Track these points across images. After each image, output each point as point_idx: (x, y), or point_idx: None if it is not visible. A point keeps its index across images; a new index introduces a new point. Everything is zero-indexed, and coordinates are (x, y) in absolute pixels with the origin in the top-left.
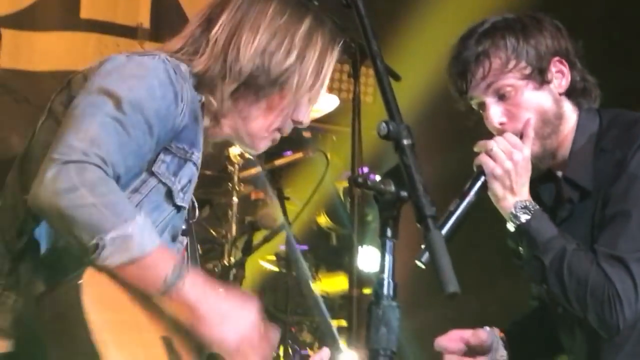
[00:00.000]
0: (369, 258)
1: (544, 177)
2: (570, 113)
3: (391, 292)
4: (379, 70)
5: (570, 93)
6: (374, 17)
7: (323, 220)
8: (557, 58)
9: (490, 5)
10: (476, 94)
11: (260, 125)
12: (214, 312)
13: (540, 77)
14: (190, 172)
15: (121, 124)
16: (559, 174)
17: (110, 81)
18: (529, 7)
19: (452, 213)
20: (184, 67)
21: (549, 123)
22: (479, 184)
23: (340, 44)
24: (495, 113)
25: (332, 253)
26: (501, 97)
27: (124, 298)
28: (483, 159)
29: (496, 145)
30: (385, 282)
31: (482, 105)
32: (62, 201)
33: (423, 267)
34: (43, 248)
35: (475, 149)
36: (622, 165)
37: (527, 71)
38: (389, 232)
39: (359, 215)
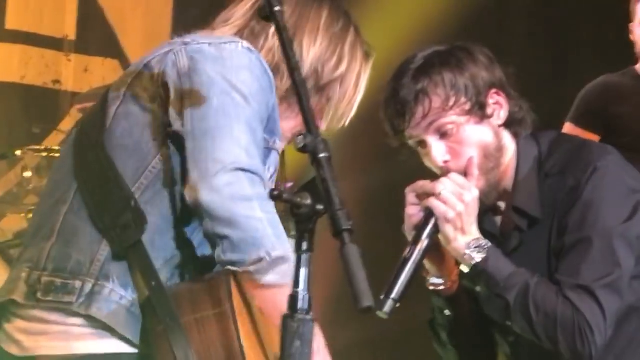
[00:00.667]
0: None
1: (487, 208)
2: (509, 143)
3: (306, 306)
4: (297, 83)
5: (509, 124)
6: None
7: None
8: (493, 90)
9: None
10: (416, 133)
11: (289, 126)
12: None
13: (480, 111)
14: (275, 161)
15: (255, 121)
16: (501, 204)
17: (225, 71)
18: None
19: (408, 259)
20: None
21: (491, 157)
22: (429, 227)
23: (372, 58)
24: (438, 152)
25: None
26: (442, 134)
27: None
28: (433, 203)
29: (444, 188)
30: (301, 296)
31: (422, 143)
32: (237, 208)
33: (386, 317)
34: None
35: (416, 192)
36: (576, 192)
37: (468, 107)
38: (304, 246)
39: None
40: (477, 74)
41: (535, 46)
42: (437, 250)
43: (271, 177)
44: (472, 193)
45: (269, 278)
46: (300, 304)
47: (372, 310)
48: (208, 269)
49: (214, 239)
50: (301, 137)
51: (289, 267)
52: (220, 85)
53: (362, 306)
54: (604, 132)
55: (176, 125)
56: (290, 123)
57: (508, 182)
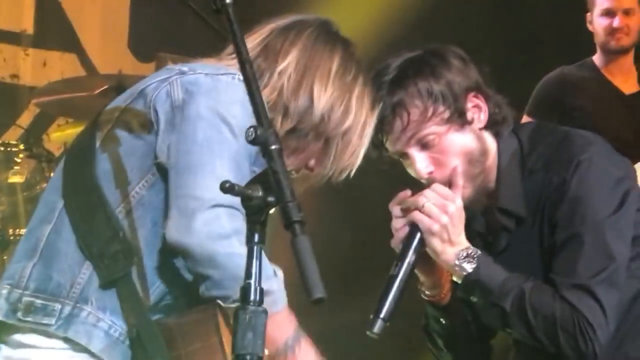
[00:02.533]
0: None
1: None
2: (491, 144)
3: (257, 298)
4: (247, 77)
5: (490, 125)
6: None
7: None
8: (471, 94)
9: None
10: (398, 147)
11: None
12: None
13: (460, 118)
14: None
15: (240, 156)
16: (486, 204)
17: (217, 104)
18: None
19: (395, 276)
20: None
21: (476, 162)
22: (415, 242)
23: (380, 107)
24: (421, 164)
25: None
26: (424, 145)
27: None
28: (417, 216)
29: (427, 200)
30: (252, 288)
31: (404, 155)
32: (215, 247)
33: (376, 337)
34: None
35: (400, 206)
36: (562, 189)
37: (447, 115)
38: (256, 238)
39: None
40: (453, 80)
41: (497, 38)
42: (428, 262)
43: None
44: (455, 203)
45: None
46: (252, 296)
47: (324, 301)
48: (192, 292)
49: (196, 277)
50: (251, 129)
51: (274, 298)
52: (208, 119)
53: (314, 297)
54: (561, 124)
55: (162, 157)
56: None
57: (492, 182)
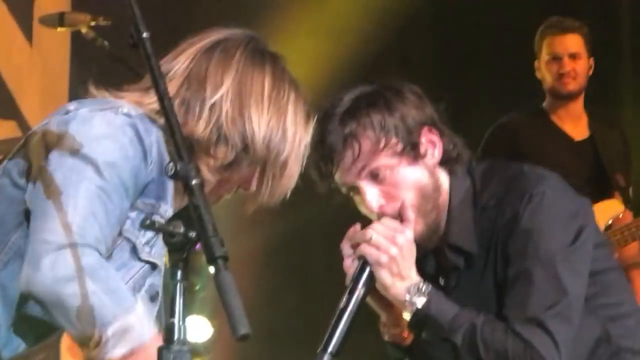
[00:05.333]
0: (197, 328)
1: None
2: (444, 181)
3: (182, 336)
4: (166, 109)
5: (444, 162)
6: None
7: None
8: (425, 128)
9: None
10: (348, 179)
11: (214, 189)
12: None
13: (413, 152)
14: None
15: (105, 192)
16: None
17: (83, 143)
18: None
19: (344, 310)
20: (145, 117)
21: (429, 198)
22: (365, 276)
23: (314, 122)
24: (372, 197)
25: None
26: (375, 178)
27: None
28: (365, 249)
29: (375, 233)
30: (176, 326)
31: (355, 189)
32: (63, 290)
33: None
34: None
35: (350, 242)
36: (514, 223)
37: (399, 148)
38: (178, 275)
39: None
40: (407, 113)
41: (439, 83)
42: (384, 297)
43: (149, 242)
44: (405, 235)
45: (116, 352)
46: (176, 335)
47: (249, 338)
48: None
49: (60, 325)
50: (171, 164)
51: (138, 331)
52: (69, 160)
53: (238, 335)
54: None
55: (28, 202)
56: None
57: (443, 220)
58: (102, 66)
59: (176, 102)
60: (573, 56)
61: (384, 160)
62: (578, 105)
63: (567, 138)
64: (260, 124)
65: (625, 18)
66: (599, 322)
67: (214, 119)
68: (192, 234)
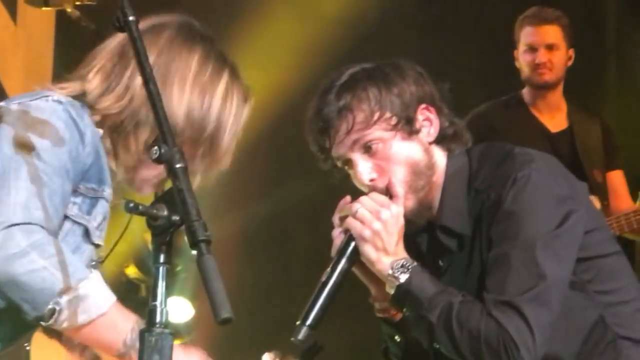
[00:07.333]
0: (178, 309)
1: (419, 227)
2: (440, 160)
3: (164, 319)
4: (151, 93)
5: (440, 140)
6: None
7: (132, 271)
8: (423, 105)
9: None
10: (342, 152)
11: (155, 173)
12: None
13: (408, 127)
14: (104, 210)
15: (46, 174)
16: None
17: (19, 131)
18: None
19: (326, 284)
20: (76, 101)
21: (422, 174)
22: (349, 249)
23: (251, 101)
24: (364, 169)
25: (143, 304)
26: (368, 151)
27: None
28: (349, 222)
29: (361, 206)
30: (158, 310)
31: (349, 162)
32: (13, 268)
33: (299, 343)
34: None
35: (339, 214)
36: (497, 206)
37: (394, 122)
38: (162, 258)
39: None
40: (405, 89)
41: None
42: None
43: (99, 226)
44: (391, 210)
45: (72, 322)
46: (158, 318)
47: (231, 321)
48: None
49: (14, 305)
50: (155, 148)
51: (92, 301)
52: (7, 148)
53: (220, 318)
54: None
55: None
56: (156, 170)
57: (437, 198)
58: (86, 46)
59: (98, 78)
60: (550, 47)
61: (378, 133)
62: (556, 96)
63: (543, 129)
64: (181, 101)
65: (610, 6)
66: (594, 309)
67: (135, 97)
68: (176, 218)
